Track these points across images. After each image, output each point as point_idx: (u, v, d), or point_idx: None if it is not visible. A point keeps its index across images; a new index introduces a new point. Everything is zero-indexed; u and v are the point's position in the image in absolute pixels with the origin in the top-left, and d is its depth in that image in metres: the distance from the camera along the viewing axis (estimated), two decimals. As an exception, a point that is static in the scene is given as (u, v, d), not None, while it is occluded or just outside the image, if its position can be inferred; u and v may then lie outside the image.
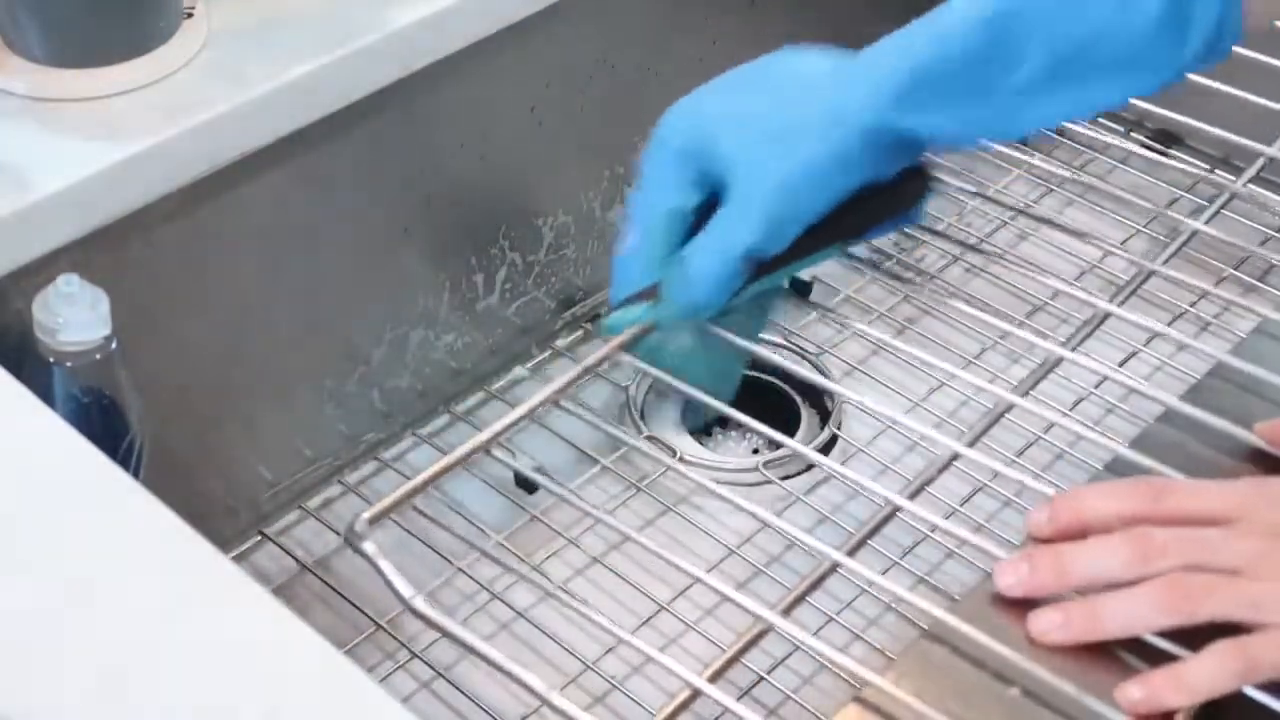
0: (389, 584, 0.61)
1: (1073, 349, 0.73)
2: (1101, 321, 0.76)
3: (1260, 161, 0.86)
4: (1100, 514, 0.61)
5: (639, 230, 0.69)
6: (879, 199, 0.68)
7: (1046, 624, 0.58)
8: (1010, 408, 0.70)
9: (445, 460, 0.66)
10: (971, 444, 0.69)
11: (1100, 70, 0.63)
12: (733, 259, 0.66)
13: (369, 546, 0.61)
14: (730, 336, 0.69)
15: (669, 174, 0.67)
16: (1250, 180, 0.86)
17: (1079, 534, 0.60)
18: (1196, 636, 0.57)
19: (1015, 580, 0.60)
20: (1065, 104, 0.65)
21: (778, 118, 0.65)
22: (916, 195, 0.70)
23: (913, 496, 0.66)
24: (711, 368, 0.71)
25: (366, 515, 0.62)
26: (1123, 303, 0.76)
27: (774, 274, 0.68)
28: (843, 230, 0.68)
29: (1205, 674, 0.56)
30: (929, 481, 0.68)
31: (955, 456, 0.68)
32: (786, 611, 0.62)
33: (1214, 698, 0.56)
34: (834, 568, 0.64)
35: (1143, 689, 0.56)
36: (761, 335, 0.73)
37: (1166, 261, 0.79)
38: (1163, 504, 0.60)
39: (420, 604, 0.60)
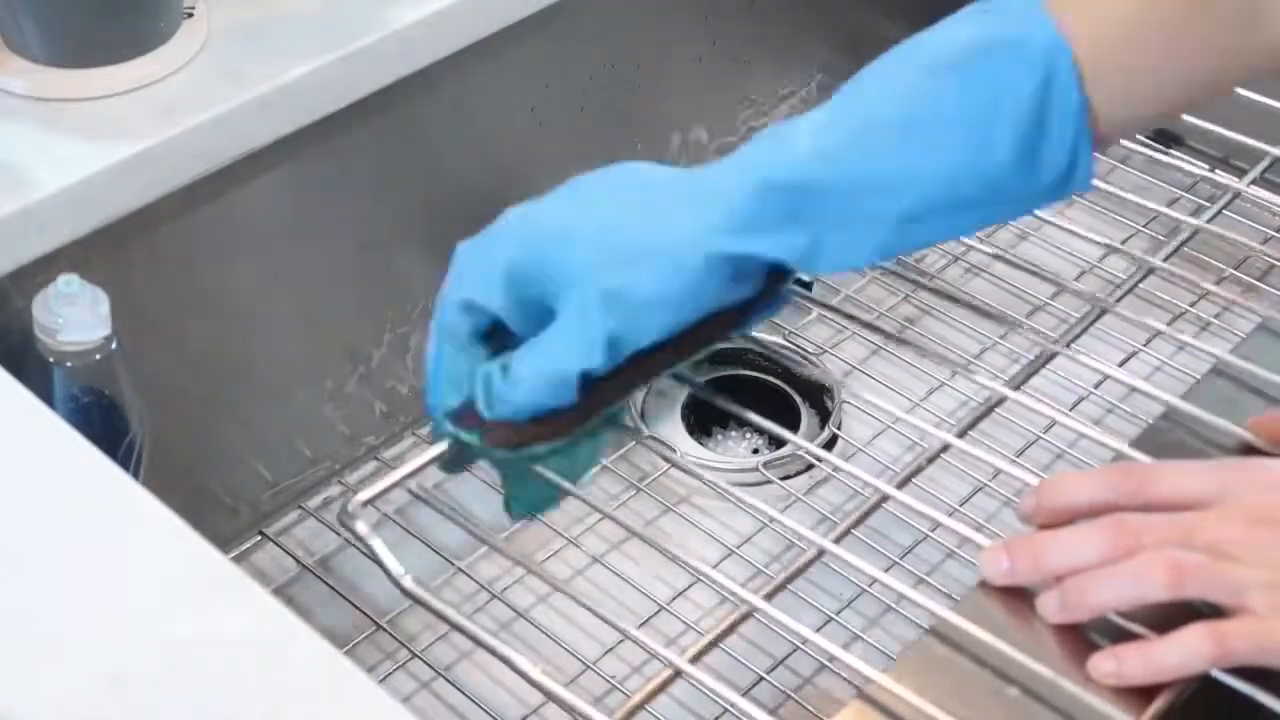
0: (380, 563, 0.61)
1: (1068, 344, 0.73)
2: (1099, 316, 0.76)
3: (1266, 161, 0.86)
4: (1082, 500, 0.61)
5: (446, 341, 0.63)
6: (720, 315, 0.63)
7: (1045, 607, 0.59)
8: (1003, 400, 0.70)
9: (445, 444, 0.66)
10: (962, 434, 0.69)
11: (953, 206, 0.60)
12: (566, 379, 0.60)
13: (361, 526, 0.61)
14: (550, 475, 0.64)
15: (493, 284, 0.62)
16: (1254, 180, 0.86)
17: (1064, 520, 0.61)
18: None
19: (996, 570, 0.61)
20: (914, 237, 0.61)
21: (620, 237, 0.61)
22: (764, 305, 0.65)
23: (901, 485, 0.66)
24: (539, 487, 0.65)
25: (360, 496, 0.62)
26: (1121, 299, 0.76)
27: (602, 410, 0.63)
28: (680, 349, 0.63)
29: (1176, 654, 0.57)
30: (918, 471, 0.68)
31: (946, 447, 0.68)
32: (770, 596, 0.62)
33: (1182, 677, 0.57)
34: (820, 554, 0.64)
35: (1114, 662, 0.58)
36: (589, 471, 0.66)
37: (1168, 259, 0.79)
38: (1144, 490, 0.60)
39: (409, 583, 0.60)
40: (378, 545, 0.61)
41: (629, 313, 0.60)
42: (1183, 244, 0.83)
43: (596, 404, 0.62)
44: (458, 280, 0.63)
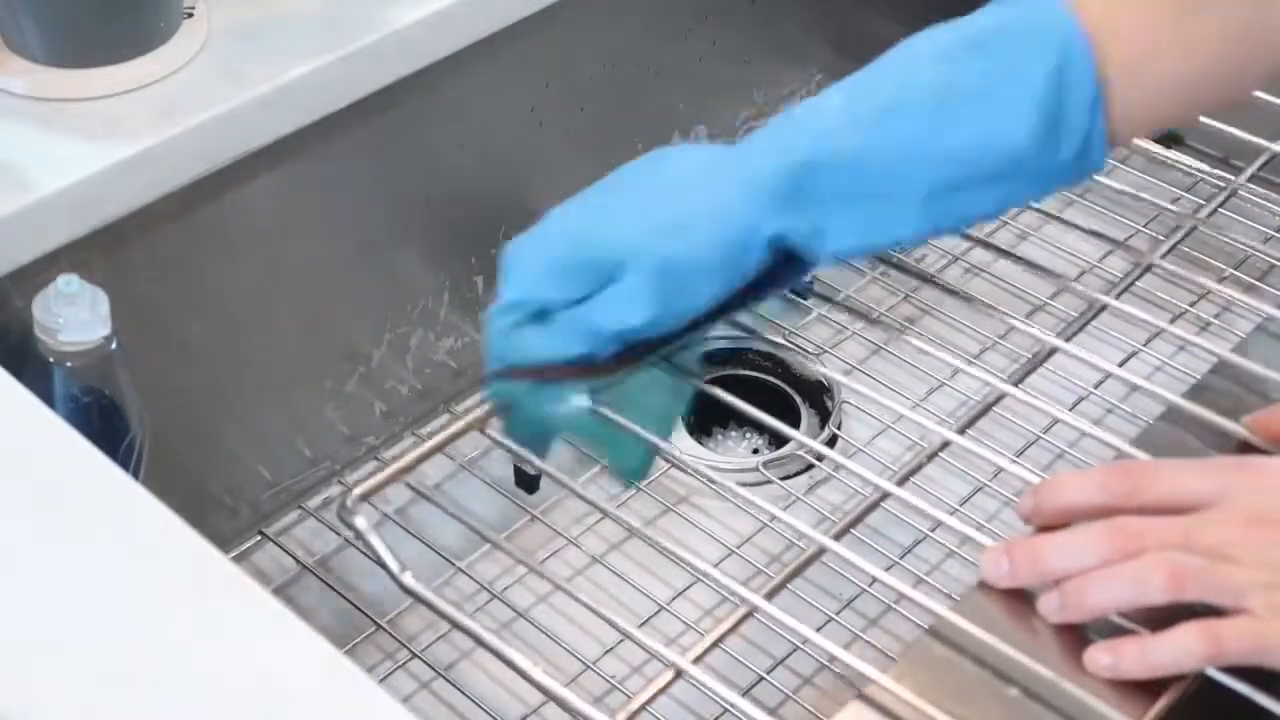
0: (379, 560, 0.61)
1: (1067, 339, 0.73)
2: (1097, 313, 0.76)
3: (1264, 157, 0.86)
4: (1080, 501, 0.61)
5: (501, 331, 0.66)
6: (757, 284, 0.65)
7: (1044, 608, 0.60)
8: (1002, 397, 0.71)
9: (440, 436, 0.66)
10: (962, 431, 0.69)
11: (978, 180, 0.62)
12: (603, 334, 0.63)
13: (360, 521, 0.61)
14: (634, 427, 0.67)
15: (543, 279, 0.64)
16: (1251, 177, 0.86)
17: (1063, 521, 0.61)
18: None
19: (997, 572, 0.61)
20: (941, 215, 0.63)
21: (665, 212, 0.64)
22: (786, 278, 0.67)
23: (901, 483, 0.66)
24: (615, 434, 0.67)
25: (357, 491, 0.62)
26: (1120, 295, 0.76)
27: (654, 355, 0.66)
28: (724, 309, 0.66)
29: (1171, 650, 0.57)
30: (918, 468, 0.68)
31: (946, 444, 0.68)
32: (771, 595, 0.62)
33: (1177, 674, 0.57)
34: (820, 551, 0.64)
35: (1111, 656, 0.58)
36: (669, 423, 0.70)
37: (1165, 256, 0.79)
38: (1141, 491, 0.60)
39: (409, 580, 0.60)
40: (376, 541, 0.61)
41: (675, 280, 0.62)
42: (1180, 241, 0.82)
43: (634, 357, 0.65)
44: (509, 280, 0.65)
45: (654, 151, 0.67)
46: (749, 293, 0.65)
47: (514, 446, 0.68)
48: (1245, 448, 0.66)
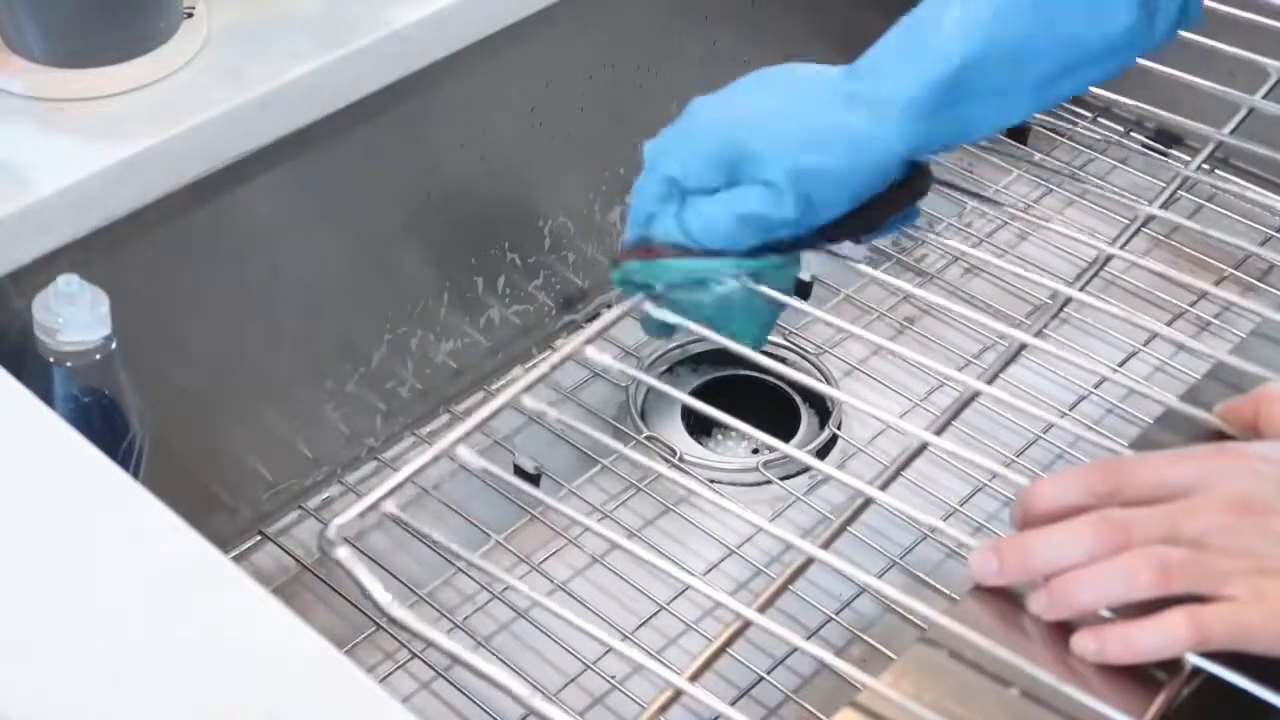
0: (365, 591, 0.60)
1: (1035, 333, 0.73)
2: (1063, 306, 0.76)
3: (1210, 145, 0.85)
4: (1064, 500, 0.61)
5: (644, 206, 0.71)
6: (886, 197, 0.71)
7: (1034, 606, 0.60)
8: (976, 395, 0.70)
9: (424, 458, 0.66)
10: (939, 431, 0.69)
11: (1082, 65, 0.68)
12: (748, 221, 0.69)
13: (342, 553, 0.60)
14: (763, 289, 0.72)
15: (694, 164, 0.69)
16: (1203, 164, 0.85)
17: (1049, 521, 0.61)
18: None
19: (987, 571, 0.61)
20: (1047, 97, 0.69)
21: (806, 129, 0.69)
22: (919, 191, 0.72)
23: (884, 486, 0.66)
24: (741, 316, 0.73)
25: (338, 522, 0.61)
26: (1083, 287, 0.76)
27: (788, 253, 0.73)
28: (854, 227, 0.71)
29: (1156, 636, 0.57)
30: (900, 471, 0.68)
31: (924, 446, 0.68)
32: (763, 608, 0.62)
33: (1162, 659, 0.58)
34: (809, 561, 0.64)
35: (1096, 641, 0.58)
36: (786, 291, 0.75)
37: (1123, 246, 0.79)
38: (1124, 488, 0.61)
39: (397, 611, 0.59)
40: (361, 573, 0.60)
41: (815, 187, 0.68)
42: (1135, 233, 0.82)
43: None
44: (662, 160, 0.70)
45: (790, 66, 0.73)
46: (873, 214, 0.71)
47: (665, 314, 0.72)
48: (1219, 437, 0.66)
